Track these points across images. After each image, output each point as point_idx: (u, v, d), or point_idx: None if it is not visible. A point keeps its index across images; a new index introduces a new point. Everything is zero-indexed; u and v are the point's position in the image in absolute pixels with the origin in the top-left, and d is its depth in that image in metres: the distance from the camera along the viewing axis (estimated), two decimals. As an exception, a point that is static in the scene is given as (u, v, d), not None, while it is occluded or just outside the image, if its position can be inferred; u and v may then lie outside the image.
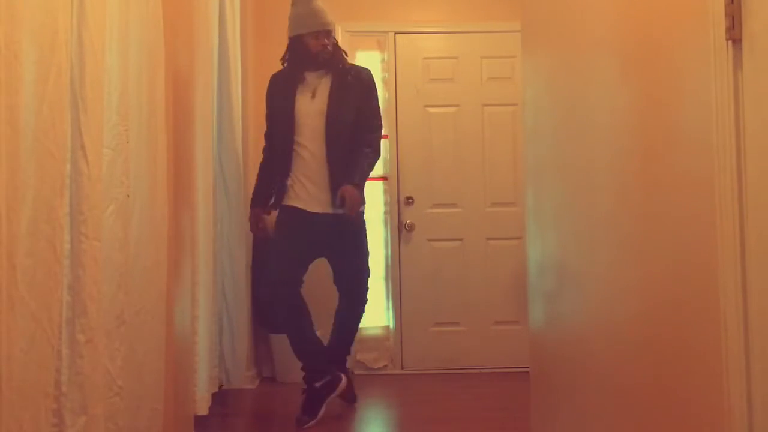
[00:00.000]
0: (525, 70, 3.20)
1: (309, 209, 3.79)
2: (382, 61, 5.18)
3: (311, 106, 3.81)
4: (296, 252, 3.79)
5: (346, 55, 3.99)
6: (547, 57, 2.91)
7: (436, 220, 5.12)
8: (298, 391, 3.93)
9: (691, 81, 1.73)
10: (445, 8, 5.24)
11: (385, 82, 5.14)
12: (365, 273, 4.08)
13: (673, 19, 1.81)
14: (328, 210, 3.79)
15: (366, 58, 5.23)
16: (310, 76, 3.86)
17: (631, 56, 2.08)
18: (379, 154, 4.03)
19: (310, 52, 3.78)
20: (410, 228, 5.10)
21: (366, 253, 4.07)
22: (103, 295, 2.24)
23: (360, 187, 3.80)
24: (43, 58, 1.93)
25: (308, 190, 3.81)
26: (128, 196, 2.43)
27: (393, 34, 5.18)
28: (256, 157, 4.91)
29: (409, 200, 5.11)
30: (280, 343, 4.72)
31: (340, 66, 3.88)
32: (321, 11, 3.82)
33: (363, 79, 3.93)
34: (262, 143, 5.03)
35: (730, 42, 1.55)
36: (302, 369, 3.87)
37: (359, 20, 5.18)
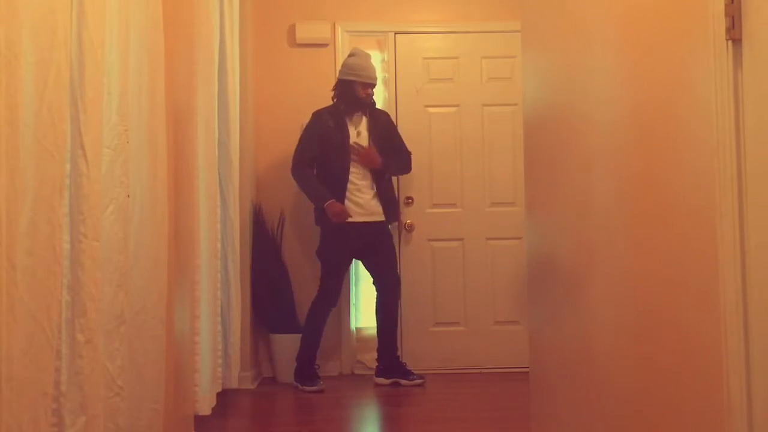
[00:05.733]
0: (525, 70, 3.20)
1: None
2: (382, 61, 5.17)
3: (357, 139, 4.68)
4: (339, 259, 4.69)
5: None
6: (547, 57, 2.91)
7: (436, 220, 5.12)
8: (299, 391, 3.97)
9: (691, 81, 1.73)
10: (445, 8, 5.24)
11: (385, 82, 5.13)
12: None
13: (674, 18, 1.81)
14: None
15: (366, 58, 5.23)
16: (355, 115, 4.71)
17: (631, 56, 2.08)
18: (409, 167, 4.89)
19: (359, 97, 4.64)
20: (410, 228, 5.09)
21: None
22: (103, 295, 2.24)
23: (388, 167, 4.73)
24: (43, 58, 1.93)
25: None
26: (128, 196, 2.43)
27: (393, 34, 5.18)
28: (255, 157, 4.93)
29: (409, 200, 5.10)
30: (280, 343, 4.72)
31: (374, 108, 4.82)
32: (372, 67, 4.70)
33: (387, 117, 4.89)
34: (260, 143, 5.05)
35: (730, 42, 1.55)
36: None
37: (359, 20, 5.18)
